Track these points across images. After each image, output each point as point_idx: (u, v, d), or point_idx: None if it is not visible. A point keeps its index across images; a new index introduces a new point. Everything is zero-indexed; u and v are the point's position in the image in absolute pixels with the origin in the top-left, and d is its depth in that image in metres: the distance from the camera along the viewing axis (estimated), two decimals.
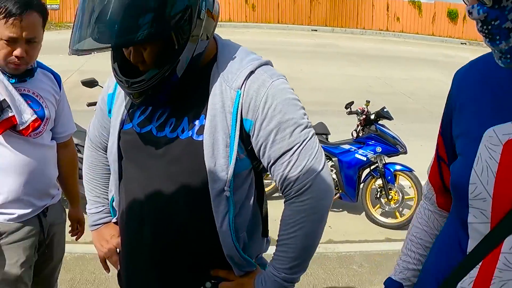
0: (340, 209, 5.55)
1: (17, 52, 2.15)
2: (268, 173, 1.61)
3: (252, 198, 1.64)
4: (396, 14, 24.79)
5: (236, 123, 1.46)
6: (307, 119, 1.52)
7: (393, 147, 5.39)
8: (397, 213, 5.45)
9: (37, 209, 2.44)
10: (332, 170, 5.31)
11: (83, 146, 4.54)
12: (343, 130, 5.68)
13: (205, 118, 1.49)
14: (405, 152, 5.46)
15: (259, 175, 1.67)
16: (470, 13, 1.06)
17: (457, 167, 1.25)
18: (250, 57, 1.55)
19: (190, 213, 1.56)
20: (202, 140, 1.48)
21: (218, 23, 1.56)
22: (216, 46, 1.59)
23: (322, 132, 5.66)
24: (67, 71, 9.91)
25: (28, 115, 2.26)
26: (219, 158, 1.47)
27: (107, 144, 1.82)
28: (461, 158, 1.25)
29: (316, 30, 23.01)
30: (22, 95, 2.27)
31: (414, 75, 13.61)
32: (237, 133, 1.47)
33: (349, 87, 11.21)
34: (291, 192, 1.51)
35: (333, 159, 5.41)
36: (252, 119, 1.47)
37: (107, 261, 1.95)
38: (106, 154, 1.86)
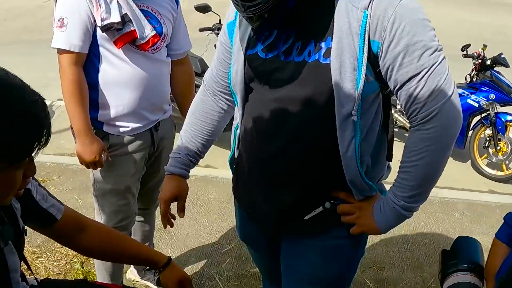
0: None
1: None
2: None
3: (379, 121, 1.58)
4: None
5: (363, 45, 1.39)
6: (438, 41, 1.41)
7: (507, 96, 5.10)
8: (504, 166, 5.20)
9: (150, 123, 2.50)
10: None
11: (194, 72, 4.60)
12: (454, 75, 5.41)
13: (331, 40, 1.43)
14: None
15: (387, 98, 1.60)
16: None
17: None
18: None
19: (316, 136, 1.54)
20: (329, 63, 1.43)
21: None
22: None
23: None
24: None
25: (148, 30, 2.29)
26: (346, 81, 1.42)
27: (222, 84, 1.82)
28: None
29: None
30: (141, 11, 2.29)
31: None
32: (365, 55, 1.40)
33: (460, 31, 10.63)
34: (417, 119, 1.44)
35: None
36: (379, 41, 1.39)
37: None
38: (216, 101, 1.87)
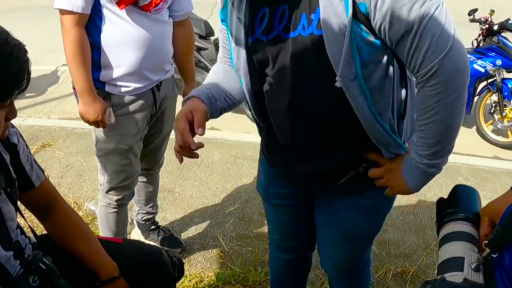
0: None
1: None
2: None
3: (393, 78, 1.54)
4: None
5: (348, 8, 1.34)
6: None
7: None
8: (509, 132, 5.19)
9: (152, 83, 2.50)
10: None
11: (198, 34, 4.58)
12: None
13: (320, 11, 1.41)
14: None
15: None
16: None
17: None
18: None
19: (333, 106, 1.53)
20: (322, 34, 1.40)
21: None
22: None
23: None
24: None
25: None
26: (340, 47, 1.38)
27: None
28: None
29: None
30: None
31: None
32: (352, 19, 1.35)
33: None
34: (419, 76, 1.40)
35: None
36: (365, 2, 1.33)
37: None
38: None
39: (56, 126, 4.91)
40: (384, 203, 1.81)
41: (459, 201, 1.48)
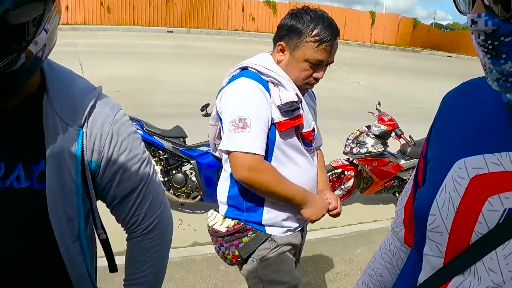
0: (202, 211, 5.39)
1: (319, 75, 2.28)
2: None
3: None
4: (252, 14, 26.39)
5: (80, 165, 1.29)
6: (145, 149, 1.45)
7: None
8: None
9: (302, 223, 2.53)
10: (191, 173, 5.32)
11: None
12: (200, 132, 5.11)
13: (45, 163, 1.25)
14: None
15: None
16: (474, 22, 0.85)
17: (423, 193, 1.13)
18: (83, 86, 1.36)
19: (31, 267, 1.35)
20: (45, 189, 1.26)
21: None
22: (42, 70, 1.31)
23: (179, 135, 5.36)
24: None
25: (310, 120, 2.44)
26: (66, 207, 1.28)
27: None
28: (428, 186, 1.12)
29: (172, 32, 23.34)
30: None
31: None
32: (82, 177, 1.30)
33: (208, 88, 8.74)
34: (139, 230, 1.45)
35: (191, 161, 5.21)
36: (97, 160, 1.32)
37: None
38: None
39: None
40: None
41: None
